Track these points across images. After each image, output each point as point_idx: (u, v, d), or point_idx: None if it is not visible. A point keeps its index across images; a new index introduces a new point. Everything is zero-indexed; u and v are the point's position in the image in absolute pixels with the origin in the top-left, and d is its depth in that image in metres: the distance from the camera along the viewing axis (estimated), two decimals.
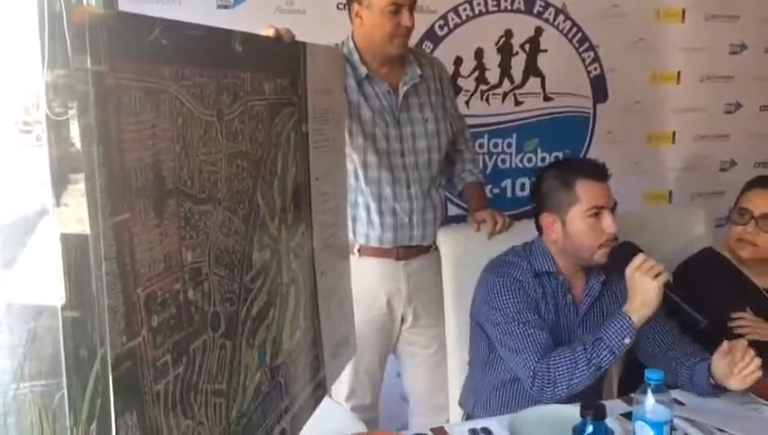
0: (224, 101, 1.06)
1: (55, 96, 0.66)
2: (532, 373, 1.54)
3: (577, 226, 1.62)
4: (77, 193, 0.69)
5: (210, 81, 1.01)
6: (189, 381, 0.89)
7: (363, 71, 1.93)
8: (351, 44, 1.95)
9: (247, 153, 1.15)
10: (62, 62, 0.66)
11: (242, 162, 1.13)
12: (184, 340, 0.88)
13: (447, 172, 2.14)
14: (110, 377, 0.71)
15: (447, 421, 1.99)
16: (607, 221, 1.60)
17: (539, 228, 1.73)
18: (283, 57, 1.33)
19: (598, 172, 1.64)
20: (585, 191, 1.61)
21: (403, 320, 2.06)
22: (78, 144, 0.68)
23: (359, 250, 1.98)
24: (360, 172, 1.94)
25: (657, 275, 1.49)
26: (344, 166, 1.79)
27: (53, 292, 0.67)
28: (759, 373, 1.46)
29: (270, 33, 1.32)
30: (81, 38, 0.68)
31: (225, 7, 2.33)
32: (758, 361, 1.46)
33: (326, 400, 1.58)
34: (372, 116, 1.93)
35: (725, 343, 1.51)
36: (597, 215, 1.61)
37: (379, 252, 1.98)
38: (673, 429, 1.31)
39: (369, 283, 1.97)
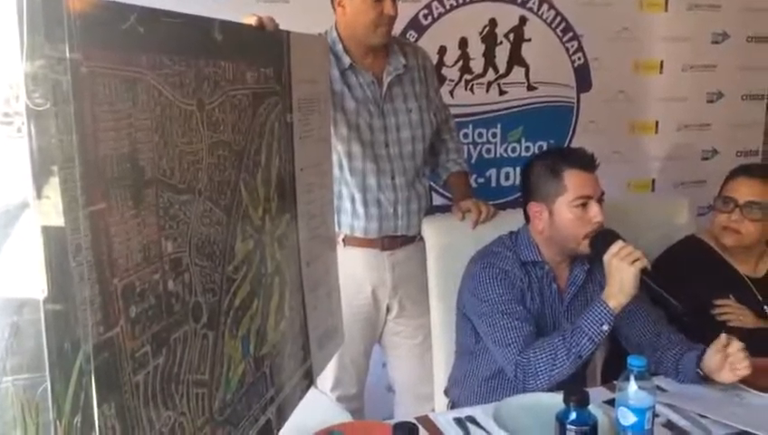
0: (204, 90, 1.04)
1: (35, 87, 0.65)
2: (514, 365, 1.56)
3: (564, 215, 1.63)
4: (58, 185, 0.67)
5: (189, 69, 0.99)
6: (170, 371, 0.88)
7: (347, 61, 1.91)
8: (335, 34, 1.94)
9: (229, 143, 1.14)
10: (40, 52, 0.65)
11: (224, 152, 1.12)
12: (164, 330, 0.87)
13: (432, 162, 2.14)
14: (91, 368, 0.71)
15: (433, 410, 2.00)
16: (593, 211, 1.61)
17: (527, 217, 1.73)
18: (266, 46, 1.31)
19: (586, 162, 1.64)
20: (572, 181, 1.62)
21: (388, 310, 2.06)
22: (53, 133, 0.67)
23: (343, 240, 1.98)
24: (345, 163, 1.93)
25: (634, 262, 1.49)
26: (330, 156, 1.78)
27: (36, 285, 0.66)
28: (748, 370, 1.48)
29: (252, 21, 1.30)
30: (58, 26, 0.67)
31: None
32: (747, 361, 1.49)
33: (311, 390, 1.58)
34: (356, 106, 1.92)
35: (724, 336, 1.52)
36: (584, 205, 1.61)
37: (364, 242, 1.98)
38: (655, 415, 1.32)
39: (354, 273, 1.96)
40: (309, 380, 1.54)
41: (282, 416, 1.34)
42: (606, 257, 1.53)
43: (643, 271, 1.50)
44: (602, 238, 1.58)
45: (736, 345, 1.49)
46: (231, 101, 1.14)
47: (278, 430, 1.31)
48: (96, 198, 0.73)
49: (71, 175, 0.69)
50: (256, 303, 1.25)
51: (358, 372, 2.06)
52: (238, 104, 1.17)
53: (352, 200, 1.95)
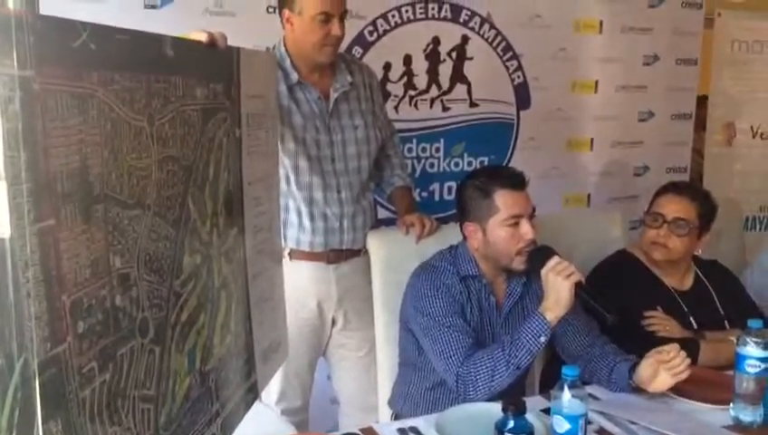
0: (154, 105, 1.04)
1: None
2: (455, 377, 1.60)
3: (497, 234, 1.68)
4: (6, 201, 0.67)
5: (140, 85, 0.99)
6: (116, 387, 0.88)
7: (294, 76, 1.93)
8: (283, 49, 1.95)
9: (178, 158, 1.13)
10: None
11: (172, 167, 1.11)
12: (111, 346, 0.86)
13: (376, 177, 2.17)
14: (36, 385, 0.70)
15: (377, 422, 2.02)
16: (525, 228, 1.66)
17: (462, 234, 1.78)
18: (216, 62, 1.31)
19: (515, 182, 1.69)
20: (503, 201, 1.67)
21: (334, 323, 2.07)
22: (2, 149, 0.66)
23: (289, 254, 1.98)
24: (292, 177, 1.94)
25: (569, 276, 1.55)
26: (277, 171, 1.78)
27: None
28: (688, 373, 1.54)
29: (202, 37, 1.29)
30: (7, 41, 0.67)
31: (153, 7, 2.27)
32: (689, 361, 1.54)
33: (256, 403, 1.57)
34: (303, 122, 1.93)
35: (655, 356, 1.57)
36: (516, 223, 1.66)
37: (310, 256, 1.99)
38: (588, 422, 1.37)
39: (300, 286, 1.97)
40: (254, 394, 1.53)
41: (226, 431, 1.34)
42: (543, 272, 1.59)
43: (577, 285, 1.56)
44: (539, 254, 1.63)
45: (674, 351, 1.55)
46: (181, 116, 1.13)
47: None
48: (46, 214, 0.73)
49: (19, 191, 0.69)
50: (203, 317, 1.24)
51: (302, 384, 2.06)
52: (188, 120, 1.16)
53: (299, 214, 1.96)
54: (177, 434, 1.09)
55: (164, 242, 1.07)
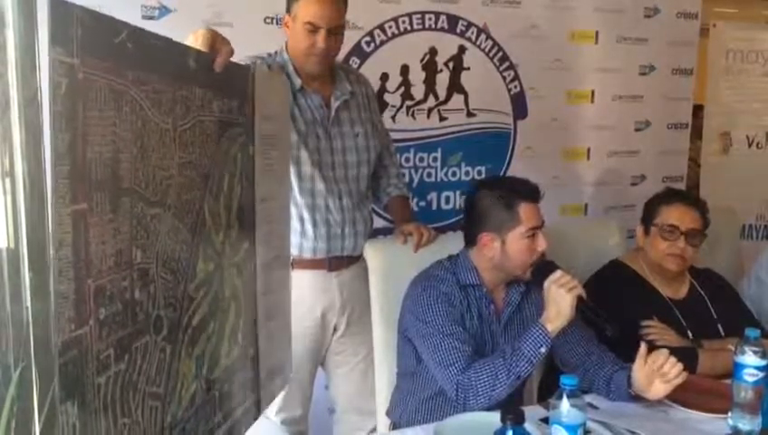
0: (177, 111, 1.07)
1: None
2: (455, 385, 1.60)
3: (516, 246, 1.70)
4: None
5: (167, 90, 1.02)
6: (129, 379, 0.90)
7: (298, 82, 1.95)
8: (286, 55, 1.98)
9: (196, 165, 1.16)
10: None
11: (191, 173, 1.14)
12: (127, 337, 0.89)
13: (373, 186, 2.19)
14: (56, 364, 0.72)
15: (374, 430, 2.03)
16: (540, 240, 1.70)
17: (471, 241, 1.79)
18: (231, 79, 1.34)
19: (536, 195, 1.73)
20: (526, 214, 1.70)
21: (335, 330, 2.08)
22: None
23: (292, 263, 1.99)
24: (295, 183, 1.96)
25: (571, 289, 1.59)
26: (288, 190, 1.81)
27: None
28: (682, 378, 1.55)
29: (199, 42, 1.27)
30: (61, 29, 0.70)
31: (151, 18, 2.30)
32: (680, 365, 1.56)
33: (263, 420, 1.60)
34: (305, 129, 1.95)
35: (643, 346, 1.60)
36: (533, 235, 1.70)
37: (312, 264, 2.01)
38: (587, 431, 1.38)
39: (303, 296, 1.98)
40: (256, 411, 1.54)
41: None
42: (546, 284, 1.62)
43: (579, 298, 1.59)
44: (544, 268, 1.67)
45: (663, 357, 1.57)
46: (200, 125, 1.17)
47: None
48: (80, 198, 0.76)
49: (60, 172, 0.71)
50: (213, 325, 1.25)
51: (303, 393, 2.07)
52: (205, 130, 1.20)
53: (301, 220, 1.98)
54: None
55: (181, 244, 1.10)
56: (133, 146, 0.90)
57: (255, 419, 1.53)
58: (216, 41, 1.30)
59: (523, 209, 1.69)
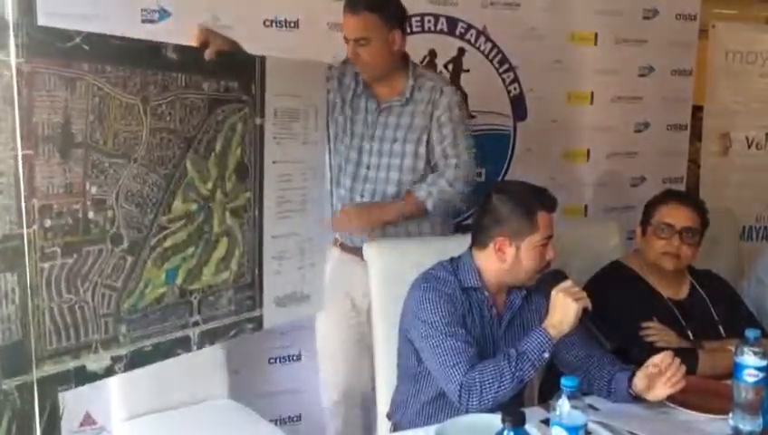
0: (150, 90, 1.33)
1: None
2: (458, 386, 1.46)
3: (530, 253, 1.58)
4: None
5: (134, 75, 1.29)
6: (78, 270, 1.19)
7: (357, 87, 1.97)
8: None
9: (175, 130, 1.41)
10: None
11: (167, 136, 1.39)
12: (78, 243, 1.15)
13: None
14: None
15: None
16: (550, 250, 1.60)
17: (482, 243, 1.62)
18: (232, 66, 1.54)
19: (554, 205, 1.63)
20: (543, 222, 1.58)
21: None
22: None
23: (340, 245, 2.02)
24: (336, 175, 2.02)
25: (578, 299, 1.49)
26: (321, 158, 1.82)
27: None
28: (682, 384, 1.46)
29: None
30: (4, 38, 0.96)
31: (151, 22, 2.13)
32: (683, 369, 1.46)
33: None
34: (352, 128, 1.98)
35: (651, 365, 1.49)
36: (545, 244, 1.60)
37: (353, 250, 1.99)
38: (588, 433, 1.26)
39: (352, 288, 1.97)
40: (256, 324, 1.71)
41: (204, 340, 1.54)
42: (554, 291, 1.51)
43: (584, 310, 1.50)
44: (554, 276, 1.58)
45: (668, 359, 1.46)
46: (182, 101, 1.42)
47: (198, 347, 1.52)
48: (26, 147, 1.01)
49: (11, 135, 0.97)
50: (192, 249, 1.49)
51: (361, 382, 2.04)
52: (190, 104, 1.44)
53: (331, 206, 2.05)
54: (142, 321, 1.37)
55: (150, 187, 1.35)
56: (89, 115, 1.14)
57: (255, 330, 1.70)
58: (208, 36, 1.48)
59: (542, 218, 1.57)
